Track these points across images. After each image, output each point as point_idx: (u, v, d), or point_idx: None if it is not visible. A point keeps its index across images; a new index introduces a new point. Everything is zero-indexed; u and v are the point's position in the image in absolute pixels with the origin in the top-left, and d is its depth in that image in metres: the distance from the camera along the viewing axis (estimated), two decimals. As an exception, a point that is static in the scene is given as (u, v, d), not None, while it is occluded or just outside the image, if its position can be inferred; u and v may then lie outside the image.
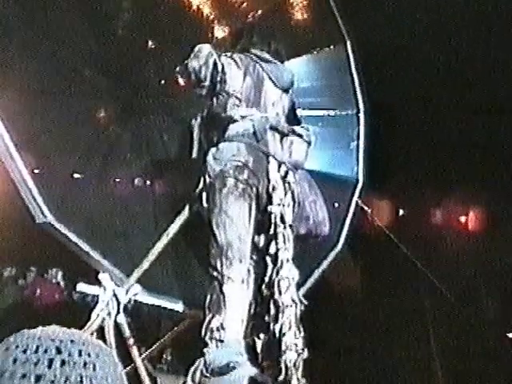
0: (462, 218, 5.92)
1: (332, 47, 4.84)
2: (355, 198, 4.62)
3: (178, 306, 3.21)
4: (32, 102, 3.18)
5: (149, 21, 3.95)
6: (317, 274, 4.03)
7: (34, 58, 3.24)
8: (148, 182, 3.60)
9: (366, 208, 4.61)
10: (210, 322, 2.62)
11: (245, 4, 4.30)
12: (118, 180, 3.40)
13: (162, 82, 4.18)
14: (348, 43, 4.80)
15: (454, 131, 5.32)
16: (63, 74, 3.42)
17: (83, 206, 3.00)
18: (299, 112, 3.86)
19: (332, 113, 4.79)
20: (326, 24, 4.76)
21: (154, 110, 3.92)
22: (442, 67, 5.14)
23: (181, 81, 4.26)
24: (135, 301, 2.99)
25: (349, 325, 5.36)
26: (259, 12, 4.40)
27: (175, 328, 3.62)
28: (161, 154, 3.85)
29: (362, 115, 4.82)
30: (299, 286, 2.96)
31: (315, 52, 4.76)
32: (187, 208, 3.20)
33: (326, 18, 4.73)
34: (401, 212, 5.79)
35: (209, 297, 2.70)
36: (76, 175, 3.21)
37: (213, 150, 3.02)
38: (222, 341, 2.56)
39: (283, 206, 2.89)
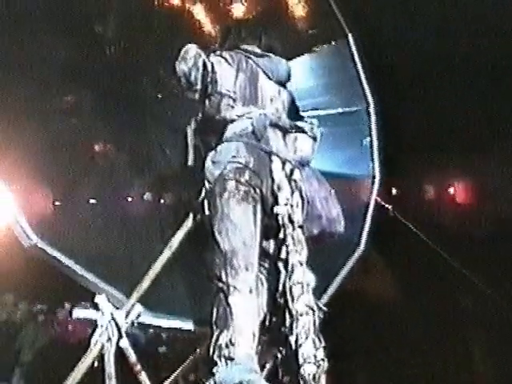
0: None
1: (333, 43, 4.66)
2: (374, 196, 4.39)
3: (188, 325, 2.97)
4: (24, 122, 3.07)
5: (141, 35, 3.84)
6: (340, 278, 3.79)
7: (21, 80, 3.14)
8: (147, 198, 3.44)
9: (386, 205, 4.37)
10: (217, 338, 2.37)
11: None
12: (113, 198, 3.24)
13: (159, 95, 4.05)
14: (350, 36, 4.61)
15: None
16: (53, 94, 3.32)
17: (72, 227, 2.82)
18: (307, 114, 3.66)
19: (340, 110, 4.58)
20: (324, 19, 4.59)
21: (152, 124, 3.78)
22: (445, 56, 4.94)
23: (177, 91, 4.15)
24: (139, 323, 2.76)
25: (379, 333, 5.01)
26: (254, 13, 4.28)
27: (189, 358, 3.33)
28: (165, 168, 3.70)
29: (372, 109, 4.62)
30: (321, 291, 2.72)
31: (316, 49, 4.59)
32: (190, 219, 3.00)
33: (324, 13, 4.57)
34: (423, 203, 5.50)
35: (215, 311, 2.45)
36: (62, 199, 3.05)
37: (211, 153, 2.82)
38: (231, 358, 2.30)
39: (291, 205, 2.66)
